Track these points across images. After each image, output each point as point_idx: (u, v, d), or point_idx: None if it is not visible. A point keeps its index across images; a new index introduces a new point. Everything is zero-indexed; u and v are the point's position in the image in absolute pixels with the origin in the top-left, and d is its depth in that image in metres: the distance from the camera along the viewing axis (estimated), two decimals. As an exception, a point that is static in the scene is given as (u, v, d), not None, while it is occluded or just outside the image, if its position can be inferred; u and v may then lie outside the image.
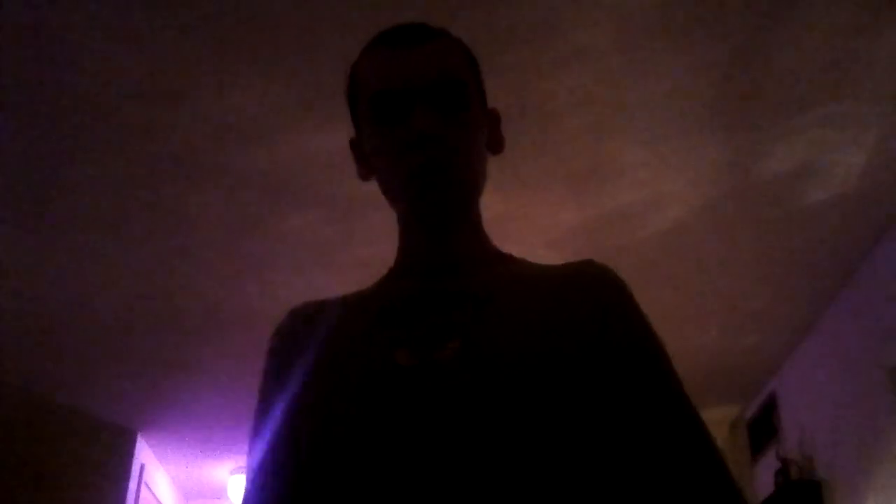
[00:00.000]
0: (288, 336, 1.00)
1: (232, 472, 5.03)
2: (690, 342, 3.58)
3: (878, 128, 2.45)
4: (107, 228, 2.88)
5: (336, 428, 0.83)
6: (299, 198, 2.76)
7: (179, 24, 2.11)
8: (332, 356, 0.91)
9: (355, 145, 1.04)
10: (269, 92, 2.34)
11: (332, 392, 0.87)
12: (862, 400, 3.10)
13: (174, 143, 2.51)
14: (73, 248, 2.96)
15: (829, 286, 3.21)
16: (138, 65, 2.24)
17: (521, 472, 0.76)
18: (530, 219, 2.84)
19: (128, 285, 3.19)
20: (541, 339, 0.84)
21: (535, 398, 0.80)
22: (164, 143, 2.52)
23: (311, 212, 2.83)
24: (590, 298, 0.90)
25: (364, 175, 1.05)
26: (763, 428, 3.97)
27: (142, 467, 4.51)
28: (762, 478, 3.87)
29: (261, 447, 0.94)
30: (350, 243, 2.99)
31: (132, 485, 4.34)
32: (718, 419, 4.30)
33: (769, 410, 3.90)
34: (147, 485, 4.57)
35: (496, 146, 1.06)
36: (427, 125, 0.91)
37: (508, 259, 1.02)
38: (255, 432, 0.96)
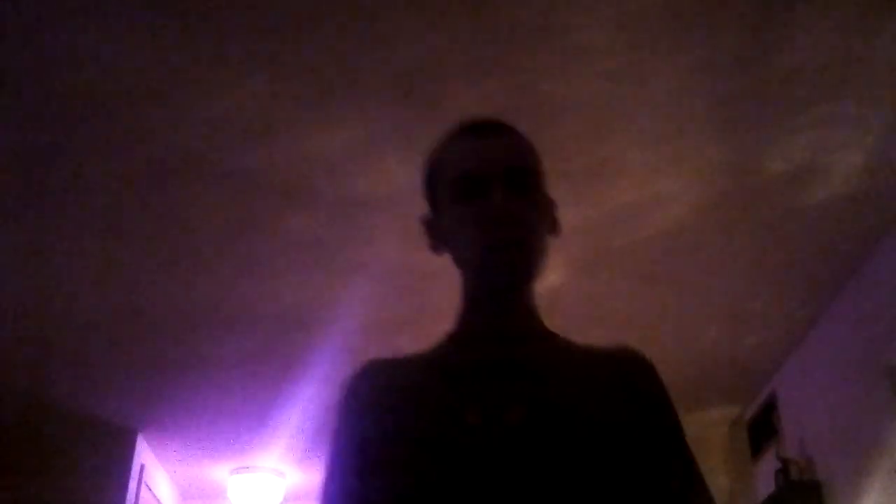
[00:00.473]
0: (364, 398, 1.11)
1: (232, 473, 5.03)
2: (690, 342, 3.58)
3: (878, 128, 2.45)
4: (106, 228, 2.88)
5: (413, 480, 0.97)
6: (299, 198, 2.76)
7: (179, 23, 2.12)
8: (409, 419, 1.03)
9: (427, 223, 1.19)
10: (269, 92, 2.34)
11: (410, 449, 1.00)
12: (862, 400, 3.10)
13: (174, 142, 2.51)
14: (73, 248, 2.96)
15: (829, 286, 3.21)
16: (137, 64, 2.24)
17: None
18: (530, 219, 2.84)
19: (127, 285, 3.19)
20: (590, 413, 0.99)
21: (588, 461, 0.95)
22: (164, 143, 2.52)
23: (311, 212, 2.83)
24: (627, 382, 1.06)
25: (435, 248, 1.19)
26: (763, 428, 3.97)
27: (142, 467, 4.51)
28: (762, 478, 3.87)
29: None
30: (350, 243, 2.99)
31: (132, 485, 4.34)
32: (718, 419, 4.30)
33: (769, 410, 3.90)
34: (147, 485, 4.57)
35: (554, 229, 1.18)
36: (505, 203, 1.05)
37: (555, 336, 1.14)
38: (333, 490, 1.13)
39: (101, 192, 2.71)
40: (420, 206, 2.78)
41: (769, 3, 2.09)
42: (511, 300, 1.11)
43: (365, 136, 2.49)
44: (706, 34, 2.16)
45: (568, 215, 2.84)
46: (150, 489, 4.64)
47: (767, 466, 3.76)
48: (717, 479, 4.22)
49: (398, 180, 2.67)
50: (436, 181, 1.16)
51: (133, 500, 4.32)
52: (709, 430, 4.26)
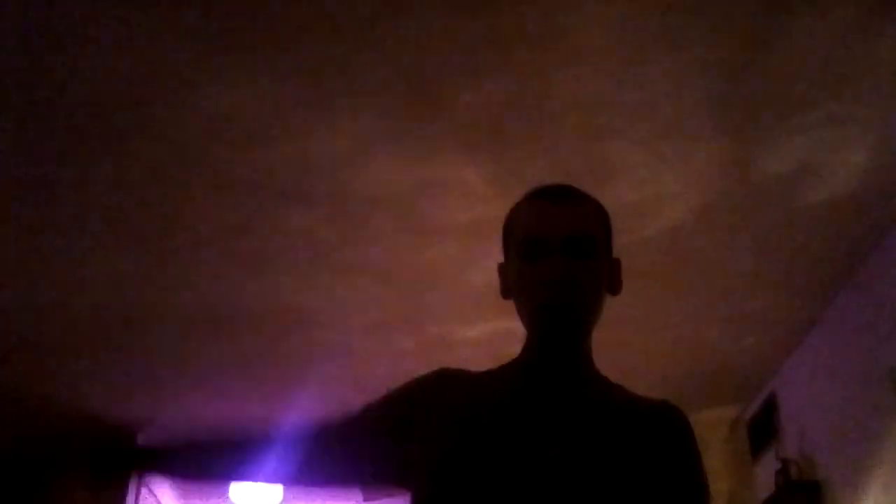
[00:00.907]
0: (432, 392, 1.25)
1: (232, 473, 5.01)
2: (690, 342, 3.58)
3: (878, 128, 2.45)
4: (106, 228, 2.88)
5: (442, 479, 1.14)
6: (299, 198, 2.76)
7: (179, 23, 2.12)
8: (469, 424, 1.18)
9: (501, 271, 1.32)
10: (269, 92, 2.34)
11: (445, 452, 1.16)
12: (862, 400, 3.10)
13: (173, 143, 2.51)
14: (73, 248, 2.96)
15: (829, 286, 3.21)
16: (137, 65, 2.24)
17: None
18: (530, 219, 2.83)
19: (128, 285, 3.19)
20: (620, 459, 1.12)
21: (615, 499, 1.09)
22: (164, 144, 2.52)
23: (311, 212, 2.83)
24: (662, 435, 1.17)
25: (505, 294, 1.30)
26: (763, 428, 3.96)
27: (142, 467, 4.51)
28: (762, 478, 3.87)
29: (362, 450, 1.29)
30: (350, 243, 2.99)
31: (132, 485, 4.34)
32: (718, 419, 4.30)
33: (769, 410, 3.90)
34: (147, 485, 4.57)
35: (615, 288, 1.29)
36: (557, 270, 1.17)
37: (605, 382, 1.25)
38: (360, 435, 1.31)
39: (101, 192, 2.71)
40: (420, 206, 2.80)
41: (769, 3, 2.09)
42: (564, 350, 1.21)
43: (365, 136, 2.49)
44: (706, 34, 2.16)
45: (568, 215, 2.76)
46: (150, 490, 4.64)
47: (767, 466, 3.76)
48: (717, 480, 4.22)
49: (398, 180, 2.67)
50: (508, 235, 1.30)
51: (133, 501, 4.32)
52: (709, 430, 4.26)
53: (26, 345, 3.63)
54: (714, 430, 4.33)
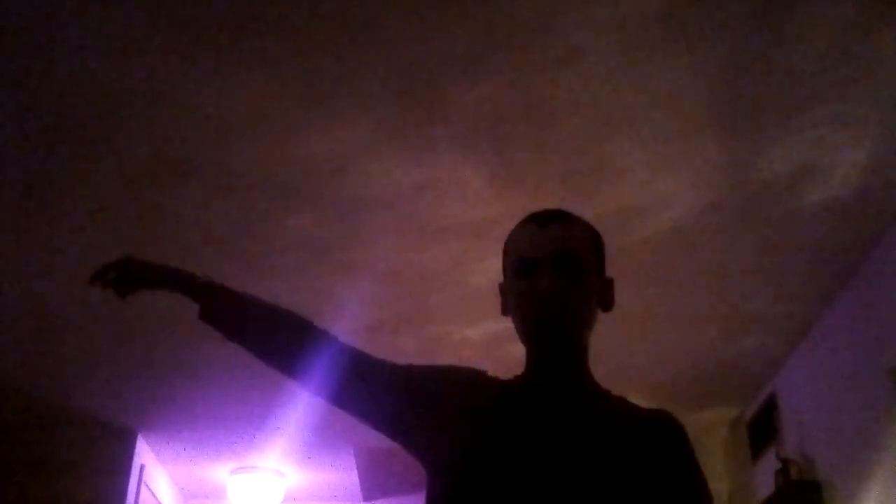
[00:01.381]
0: (463, 382, 1.35)
1: (232, 473, 5.03)
2: (690, 342, 3.58)
3: (878, 128, 2.45)
4: (106, 228, 2.88)
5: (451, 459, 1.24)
6: (299, 198, 2.76)
7: (179, 23, 2.12)
8: (485, 431, 1.25)
9: (501, 290, 1.39)
10: (270, 92, 2.34)
11: (457, 433, 1.26)
12: (862, 400, 3.10)
13: (174, 142, 2.51)
14: (73, 247, 2.96)
15: (829, 286, 3.21)
16: (138, 65, 2.24)
17: None
18: (530, 219, 2.84)
19: (128, 285, 3.19)
20: (618, 464, 1.19)
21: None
22: (164, 143, 2.52)
23: (311, 212, 2.83)
24: (658, 442, 1.24)
25: (505, 311, 1.37)
26: (763, 428, 3.97)
27: (142, 467, 4.51)
28: (762, 478, 3.87)
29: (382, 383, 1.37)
30: (350, 243, 2.99)
31: (132, 485, 4.34)
32: (718, 419, 4.30)
33: (769, 410, 3.90)
34: (147, 485, 4.57)
35: (606, 305, 1.39)
36: (545, 285, 1.25)
37: (605, 392, 1.32)
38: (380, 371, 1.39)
39: (101, 192, 2.71)
40: (419, 206, 2.80)
41: (769, 3, 2.09)
42: (558, 362, 1.29)
43: (365, 136, 2.49)
44: (706, 34, 2.16)
45: (568, 215, 2.75)
46: (150, 489, 4.64)
47: (767, 466, 3.76)
48: (717, 480, 4.22)
49: (398, 180, 2.67)
50: (504, 256, 1.37)
51: (133, 500, 4.33)
52: (709, 430, 4.26)
53: (26, 344, 3.64)
54: (714, 430, 4.34)
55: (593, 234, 1.38)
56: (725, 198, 2.74)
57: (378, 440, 5.48)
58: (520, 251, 1.31)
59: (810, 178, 2.65)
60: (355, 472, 5.09)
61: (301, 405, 4.01)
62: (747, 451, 4.14)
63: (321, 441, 4.60)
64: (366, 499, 5.51)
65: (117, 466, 4.31)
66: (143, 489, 4.50)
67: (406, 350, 3.49)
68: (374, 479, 5.28)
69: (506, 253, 1.37)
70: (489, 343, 3.47)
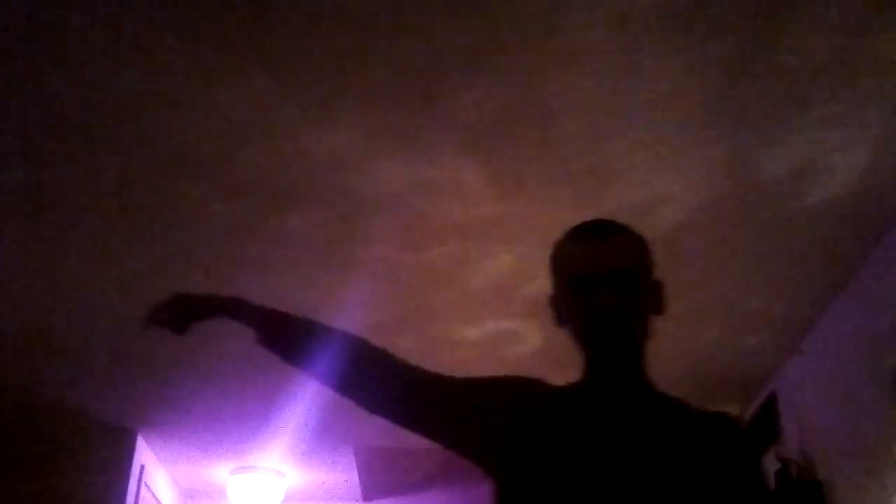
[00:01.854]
0: (522, 391, 1.38)
1: (232, 473, 5.03)
2: (690, 342, 3.58)
3: (878, 128, 2.45)
4: (106, 228, 2.88)
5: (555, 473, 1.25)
6: (299, 198, 2.76)
7: (179, 23, 2.12)
8: (529, 429, 1.31)
9: (552, 303, 1.41)
10: (269, 92, 2.34)
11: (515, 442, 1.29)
12: (862, 400, 3.10)
13: (174, 142, 2.51)
14: (73, 248, 2.97)
15: (829, 286, 3.21)
16: (138, 65, 2.24)
17: None
18: (530, 219, 2.84)
19: (128, 285, 3.19)
20: (677, 467, 1.22)
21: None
22: (164, 143, 2.52)
23: (311, 212, 2.83)
24: (719, 445, 1.28)
25: (559, 323, 1.40)
26: (763, 428, 3.97)
27: (142, 467, 4.51)
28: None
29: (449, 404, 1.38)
30: (350, 243, 2.99)
31: (132, 485, 4.34)
32: (718, 419, 4.30)
33: (769, 410, 3.90)
34: (147, 485, 4.57)
35: (659, 309, 1.41)
36: (603, 303, 1.28)
37: (665, 396, 1.36)
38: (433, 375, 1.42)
39: (101, 192, 2.71)
40: (420, 206, 2.80)
41: (769, 2, 2.09)
42: (619, 373, 1.33)
43: (365, 136, 2.49)
44: (706, 34, 2.16)
45: (568, 215, 2.84)
46: (150, 489, 4.64)
47: (767, 466, 3.76)
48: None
49: (398, 180, 2.67)
50: (554, 272, 1.40)
51: (133, 500, 4.33)
52: (709, 430, 4.26)
53: (26, 345, 3.64)
54: (714, 430, 4.33)
55: (643, 243, 1.41)
56: (725, 198, 2.74)
57: (378, 440, 5.49)
58: (575, 268, 1.33)
59: (810, 178, 2.65)
60: (355, 472, 5.09)
61: (301, 405, 4.01)
62: (747, 451, 4.13)
63: (321, 441, 4.60)
64: (366, 499, 5.51)
65: (117, 466, 4.31)
66: (143, 489, 4.50)
67: (406, 350, 3.48)
68: (374, 479, 5.28)
69: (557, 268, 1.39)
70: (489, 343, 3.47)
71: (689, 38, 2.18)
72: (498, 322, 3.39)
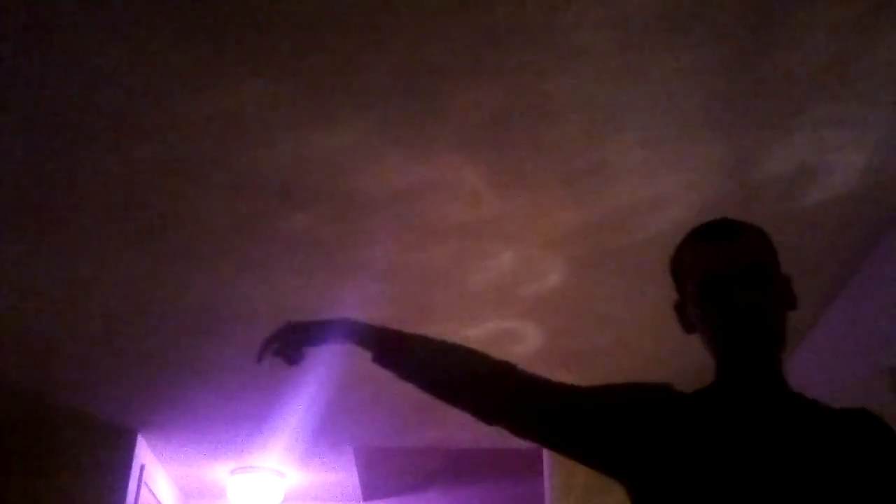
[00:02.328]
0: (657, 400, 1.35)
1: (232, 473, 5.03)
2: (690, 342, 3.56)
3: (878, 128, 2.45)
4: (106, 228, 2.88)
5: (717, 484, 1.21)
6: (299, 198, 2.76)
7: (179, 23, 2.12)
8: (669, 433, 1.28)
9: (678, 309, 1.43)
10: (269, 91, 2.34)
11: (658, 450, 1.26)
12: (862, 400, 3.09)
13: (174, 142, 2.51)
14: (73, 247, 2.97)
15: (829, 286, 3.21)
16: (137, 65, 2.24)
17: None
18: (530, 219, 2.84)
19: (128, 285, 3.19)
20: (825, 466, 1.19)
21: None
22: (164, 143, 2.52)
23: (311, 212, 2.83)
24: (865, 442, 1.26)
25: (688, 329, 1.41)
26: (763, 428, 3.96)
27: (142, 467, 4.52)
28: (762, 478, 3.87)
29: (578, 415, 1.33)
30: (350, 243, 2.99)
31: (132, 485, 4.34)
32: (718, 419, 4.29)
33: (769, 410, 3.90)
34: (147, 485, 4.58)
35: (791, 304, 1.39)
36: (741, 304, 1.26)
37: (803, 397, 1.36)
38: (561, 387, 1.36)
39: (101, 193, 2.71)
40: (420, 206, 2.79)
41: (769, 3, 2.09)
42: (760, 371, 1.31)
43: (365, 136, 2.49)
44: (706, 34, 2.16)
45: (568, 215, 2.84)
46: (150, 489, 4.64)
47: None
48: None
49: (398, 180, 2.67)
50: (680, 277, 1.39)
51: (133, 500, 4.33)
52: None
53: (26, 344, 3.64)
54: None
55: (768, 237, 1.39)
56: (725, 198, 2.74)
57: (378, 440, 5.47)
58: (707, 271, 1.30)
59: (810, 178, 2.65)
60: (355, 472, 5.09)
61: (301, 405, 4.01)
62: (747, 451, 4.13)
63: (321, 441, 4.60)
64: (366, 499, 5.51)
65: (117, 466, 4.31)
66: (143, 489, 4.50)
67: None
68: (374, 479, 5.28)
69: (684, 274, 1.37)
70: (489, 343, 3.47)
71: (689, 39, 2.18)
72: (498, 322, 3.39)
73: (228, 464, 4.97)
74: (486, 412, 1.39)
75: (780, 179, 2.66)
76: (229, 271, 3.12)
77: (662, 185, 2.70)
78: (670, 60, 2.24)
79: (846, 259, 3.05)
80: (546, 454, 4.45)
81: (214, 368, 3.81)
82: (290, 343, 1.55)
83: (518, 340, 3.51)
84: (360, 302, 3.27)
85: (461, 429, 4.23)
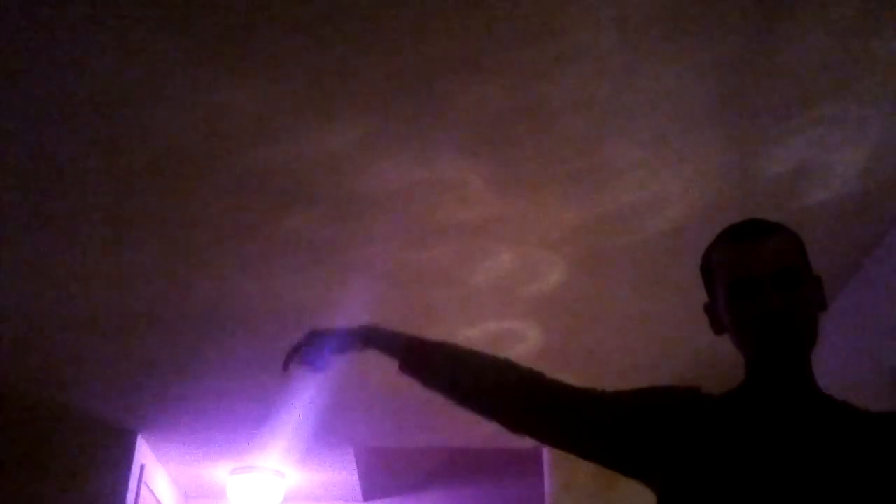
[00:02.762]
0: (688, 403, 1.35)
1: (232, 473, 5.03)
2: (690, 342, 3.57)
3: (878, 128, 2.45)
4: (106, 228, 2.88)
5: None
6: (299, 198, 2.76)
7: (179, 23, 2.12)
8: (697, 435, 1.28)
9: (708, 310, 1.45)
10: (269, 92, 2.34)
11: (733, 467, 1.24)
12: (862, 400, 3.09)
13: (174, 142, 2.51)
14: (73, 247, 2.97)
15: (829, 286, 3.19)
16: (137, 64, 2.24)
17: None
18: (530, 219, 2.84)
19: (127, 285, 3.19)
20: (856, 470, 1.19)
21: None
22: (163, 144, 2.52)
23: (311, 212, 2.83)
24: None
25: (718, 331, 1.41)
26: (763, 428, 3.96)
27: (142, 467, 4.52)
28: (762, 478, 3.87)
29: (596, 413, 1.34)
30: (350, 243, 2.99)
31: (132, 485, 4.34)
32: (718, 419, 4.29)
33: (769, 410, 3.90)
34: (147, 485, 4.57)
35: (821, 305, 1.38)
36: (771, 305, 1.25)
37: (832, 399, 1.34)
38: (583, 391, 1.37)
39: (101, 192, 2.71)
40: (420, 206, 2.80)
41: (769, 3, 2.09)
42: (790, 376, 1.30)
43: (365, 136, 2.49)
44: (706, 34, 2.16)
45: (568, 215, 2.85)
46: (150, 489, 4.64)
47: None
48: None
49: (398, 180, 2.67)
50: (710, 278, 1.41)
51: (133, 500, 4.33)
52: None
53: (26, 345, 3.64)
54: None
55: (798, 238, 1.37)
56: (725, 198, 2.74)
57: (378, 440, 5.47)
58: (737, 273, 1.31)
59: (810, 178, 2.65)
60: (355, 472, 5.09)
61: (301, 405, 4.01)
62: (747, 451, 4.13)
63: (321, 441, 4.60)
64: (366, 499, 5.51)
65: (117, 466, 4.31)
66: (143, 489, 4.50)
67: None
68: (374, 479, 5.28)
69: (715, 276, 1.37)
70: (490, 343, 3.47)
71: (689, 38, 2.18)
72: (498, 322, 3.39)
73: (228, 464, 4.97)
74: (517, 421, 1.39)
75: (780, 179, 2.66)
76: (230, 271, 3.12)
77: (662, 185, 2.70)
78: (670, 60, 2.24)
79: (846, 259, 3.05)
80: (546, 454, 4.45)
81: (215, 368, 3.81)
82: (317, 351, 1.53)
83: (518, 340, 3.51)
84: (361, 302, 3.27)
85: (461, 429, 4.23)
